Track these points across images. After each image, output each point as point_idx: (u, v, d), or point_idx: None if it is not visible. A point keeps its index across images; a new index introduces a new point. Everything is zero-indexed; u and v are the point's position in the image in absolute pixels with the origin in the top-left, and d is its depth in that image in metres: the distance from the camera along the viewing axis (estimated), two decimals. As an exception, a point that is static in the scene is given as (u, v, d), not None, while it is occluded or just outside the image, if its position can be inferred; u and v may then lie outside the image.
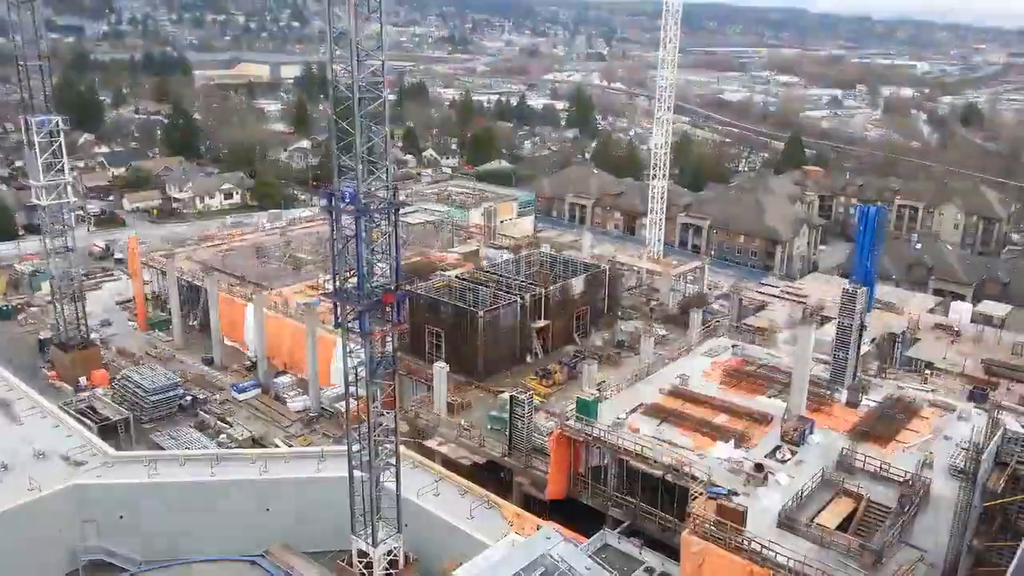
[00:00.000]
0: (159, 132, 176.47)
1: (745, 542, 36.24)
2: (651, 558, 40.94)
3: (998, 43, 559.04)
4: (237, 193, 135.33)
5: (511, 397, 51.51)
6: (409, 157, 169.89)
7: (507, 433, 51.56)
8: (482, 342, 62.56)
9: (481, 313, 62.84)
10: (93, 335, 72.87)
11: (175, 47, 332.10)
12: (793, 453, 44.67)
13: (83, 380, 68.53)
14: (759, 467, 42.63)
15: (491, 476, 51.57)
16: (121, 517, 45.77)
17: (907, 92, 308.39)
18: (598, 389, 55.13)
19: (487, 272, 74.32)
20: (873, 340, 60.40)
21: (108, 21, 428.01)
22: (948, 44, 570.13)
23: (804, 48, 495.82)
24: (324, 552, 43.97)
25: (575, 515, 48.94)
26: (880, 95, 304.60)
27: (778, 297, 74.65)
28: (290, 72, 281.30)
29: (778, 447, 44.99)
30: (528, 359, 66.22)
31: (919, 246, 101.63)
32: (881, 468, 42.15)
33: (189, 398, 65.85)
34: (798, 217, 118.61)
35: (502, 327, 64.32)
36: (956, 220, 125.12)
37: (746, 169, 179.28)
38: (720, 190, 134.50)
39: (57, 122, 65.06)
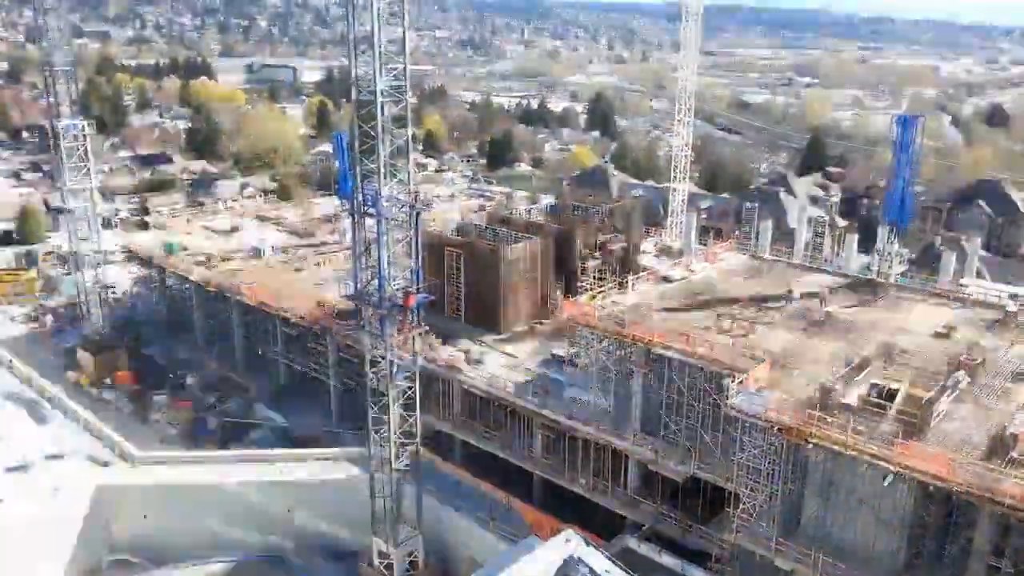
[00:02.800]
0: (183, 136, 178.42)
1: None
2: (671, 561, 40.87)
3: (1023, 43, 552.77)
4: (260, 196, 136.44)
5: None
6: (429, 160, 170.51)
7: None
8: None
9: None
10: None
11: (199, 52, 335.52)
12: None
13: (108, 382, 69.45)
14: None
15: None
16: (145, 517, 46.30)
17: (930, 93, 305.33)
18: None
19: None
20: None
21: (133, 27, 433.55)
22: (972, 44, 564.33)
23: (826, 49, 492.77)
24: (345, 553, 44.24)
25: (595, 518, 48.99)
26: (903, 96, 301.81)
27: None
28: (312, 76, 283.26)
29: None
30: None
31: (943, 248, 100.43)
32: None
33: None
34: (820, 219, 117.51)
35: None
36: (981, 222, 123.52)
37: (768, 171, 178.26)
38: (741, 192, 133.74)
39: (83, 126, 66.03)
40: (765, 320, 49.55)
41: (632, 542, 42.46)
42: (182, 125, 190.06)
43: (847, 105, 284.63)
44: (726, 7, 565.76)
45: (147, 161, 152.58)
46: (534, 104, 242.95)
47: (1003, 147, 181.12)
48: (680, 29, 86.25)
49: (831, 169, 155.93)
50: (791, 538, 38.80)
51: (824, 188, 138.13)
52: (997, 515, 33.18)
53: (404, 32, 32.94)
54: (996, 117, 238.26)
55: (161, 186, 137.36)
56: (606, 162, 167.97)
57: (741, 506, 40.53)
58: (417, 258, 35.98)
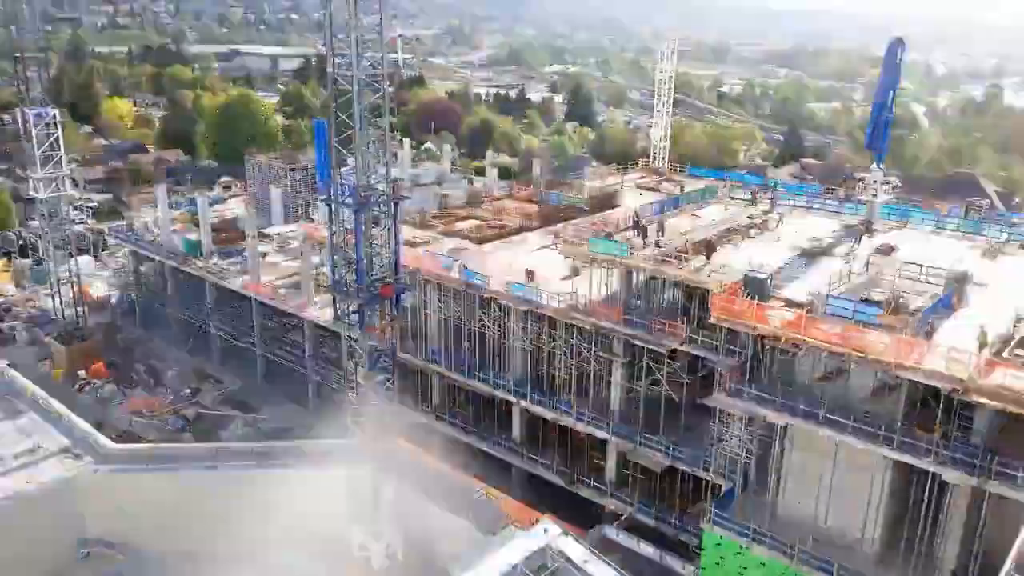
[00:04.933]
0: (157, 124, 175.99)
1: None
2: (650, 551, 41.07)
3: (1000, 38, 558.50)
4: (236, 185, 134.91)
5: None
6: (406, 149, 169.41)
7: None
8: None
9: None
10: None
11: (173, 39, 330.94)
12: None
13: (82, 373, 68.64)
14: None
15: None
16: (119, 510, 45.73)
17: (909, 85, 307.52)
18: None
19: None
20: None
21: (106, 13, 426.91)
22: (951, 38, 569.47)
23: (805, 40, 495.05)
24: (323, 545, 43.96)
25: (574, 509, 49.08)
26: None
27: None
28: (289, 64, 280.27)
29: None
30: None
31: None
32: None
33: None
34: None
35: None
36: (956, 214, 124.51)
37: (745, 161, 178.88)
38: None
39: (54, 114, 64.92)
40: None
41: (611, 532, 42.63)
42: (157, 113, 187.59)
43: (825, 96, 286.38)
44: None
45: (120, 150, 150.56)
46: (513, 94, 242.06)
47: (978, 140, 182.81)
48: (661, 19, 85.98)
49: (808, 160, 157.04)
50: (768, 526, 39.07)
51: (800, 179, 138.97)
52: (974, 497, 33.70)
53: (381, 19, 32.55)
54: (970, 109, 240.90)
55: (135, 175, 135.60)
56: (585, 152, 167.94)
57: (719, 495, 40.78)
58: (396, 248, 35.73)
